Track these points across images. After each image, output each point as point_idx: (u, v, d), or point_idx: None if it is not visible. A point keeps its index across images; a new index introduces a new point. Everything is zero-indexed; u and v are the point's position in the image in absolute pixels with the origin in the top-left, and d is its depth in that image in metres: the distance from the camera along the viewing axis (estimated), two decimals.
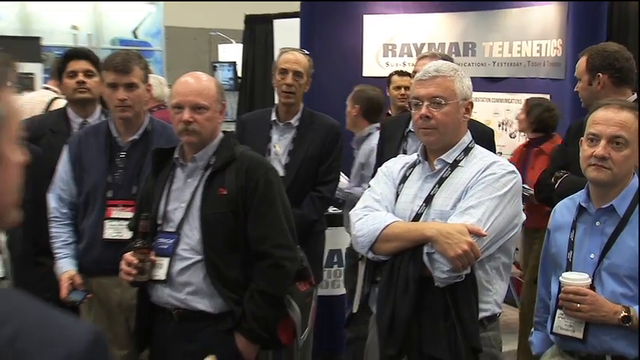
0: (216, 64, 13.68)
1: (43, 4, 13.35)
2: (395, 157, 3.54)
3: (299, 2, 8.70)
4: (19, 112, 1.39)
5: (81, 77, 4.39)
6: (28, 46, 10.77)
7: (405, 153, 4.17)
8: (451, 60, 4.28)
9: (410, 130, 4.34)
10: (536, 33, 7.17)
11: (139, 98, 3.85)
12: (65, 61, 4.45)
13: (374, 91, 5.91)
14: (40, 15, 13.35)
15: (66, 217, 3.87)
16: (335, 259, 5.64)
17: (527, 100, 6.13)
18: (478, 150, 3.08)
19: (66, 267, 3.80)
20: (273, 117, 4.75)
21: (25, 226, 3.22)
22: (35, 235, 3.35)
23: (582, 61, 4.22)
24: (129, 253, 3.30)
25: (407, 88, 6.03)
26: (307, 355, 4.87)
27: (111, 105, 3.93)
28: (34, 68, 9.50)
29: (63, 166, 3.93)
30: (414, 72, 4.32)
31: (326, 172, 4.64)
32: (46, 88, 7.23)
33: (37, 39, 12.60)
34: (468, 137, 3.09)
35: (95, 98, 4.50)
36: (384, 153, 4.36)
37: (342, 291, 5.79)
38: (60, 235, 3.87)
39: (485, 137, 3.94)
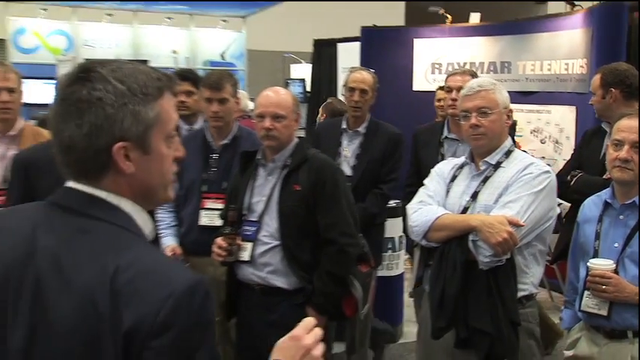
0: (289, 81, 13.73)
1: (149, 33, 13.61)
2: (434, 160, 3.59)
3: (359, 28, 8.68)
4: (174, 117, 1.55)
5: (181, 97, 4.48)
6: None
7: (442, 156, 4.17)
8: (476, 76, 4.27)
9: (445, 137, 4.32)
10: (564, 53, 7.03)
11: (229, 110, 3.91)
12: None
13: (340, 103, 5.93)
14: (147, 42, 13.61)
15: (169, 206, 3.92)
16: (389, 245, 5.59)
17: None
18: (517, 152, 3.03)
19: (168, 242, 3.90)
20: (344, 125, 4.72)
21: None
22: None
23: (597, 78, 4.17)
24: (220, 237, 3.34)
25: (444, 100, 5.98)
26: (367, 327, 4.83)
27: (207, 115, 4.02)
28: None
29: None
30: (448, 87, 4.30)
31: (387, 172, 4.58)
32: None
33: (145, 62, 12.79)
34: (509, 142, 3.03)
35: (196, 112, 4.58)
36: (421, 157, 4.34)
37: (397, 272, 5.75)
38: (164, 219, 3.95)
39: None
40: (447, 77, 4.50)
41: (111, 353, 1.30)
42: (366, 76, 4.69)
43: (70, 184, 1.48)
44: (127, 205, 1.47)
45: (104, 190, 1.45)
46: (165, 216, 3.95)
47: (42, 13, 13.15)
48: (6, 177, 3.55)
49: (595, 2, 7.18)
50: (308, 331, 1.60)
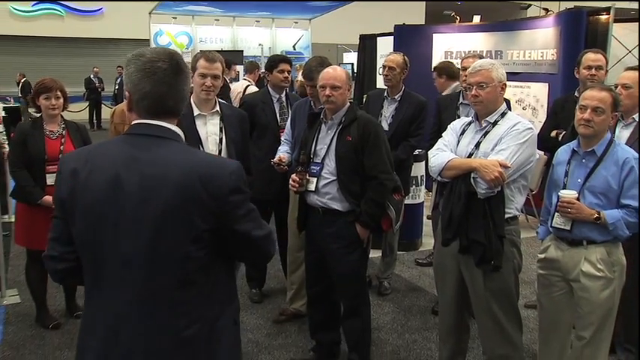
0: (341, 65, 13.59)
1: (244, 32, 13.64)
2: (453, 120, 3.42)
3: (393, 26, 8.52)
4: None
5: (286, 74, 4.40)
6: (236, 56, 11.01)
7: (459, 117, 4.04)
8: (483, 58, 4.12)
9: (461, 103, 4.19)
10: (541, 45, 6.86)
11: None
12: (277, 62, 4.44)
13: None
14: (242, 38, 13.74)
15: (289, 147, 3.94)
16: (414, 182, 5.55)
17: None
18: (510, 114, 2.92)
19: (280, 152, 3.92)
20: (385, 94, 4.61)
21: (238, 156, 3.29)
22: (244, 161, 3.39)
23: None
24: (294, 174, 3.34)
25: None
26: (396, 237, 4.84)
27: (308, 92, 4.00)
28: (239, 68, 9.70)
29: (288, 121, 4.08)
30: (463, 67, 4.17)
31: (415, 129, 4.47)
32: (245, 79, 7.35)
33: (240, 51, 12.86)
34: (503, 106, 2.91)
35: (288, 85, 4.52)
36: (442, 118, 4.19)
37: (419, 201, 5.71)
38: (283, 148, 3.95)
39: None
40: (463, 59, 4.35)
41: (204, 208, 1.54)
42: (395, 58, 4.55)
43: (145, 120, 1.63)
44: (177, 129, 1.67)
45: (167, 123, 1.64)
46: (285, 146, 3.97)
47: (173, 20, 13.45)
48: None
49: (562, 9, 7.29)
50: None
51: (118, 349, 1.58)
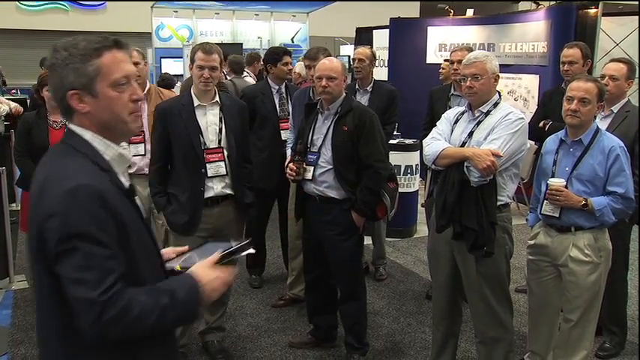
0: (338, 57, 13.49)
1: (243, 25, 13.60)
2: (445, 110, 3.38)
3: (389, 19, 8.47)
4: (120, 69, 1.43)
5: (290, 66, 4.42)
6: (235, 49, 10.93)
7: (450, 108, 3.96)
8: (472, 51, 4.06)
9: (452, 94, 4.15)
10: (532, 37, 6.83)
11: None
12: (282, 55, 4.40)
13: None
14: (241, 31, 13.66)
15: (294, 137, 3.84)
16: (408, 171, 5.53)
17: None
18: (502, 104, 2.89)
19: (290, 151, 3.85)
20: (357, 86, 4.49)
21: (237, 145, 3.26)
22: (243, 150, 3.37)
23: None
24: (291, 163, 3.32)
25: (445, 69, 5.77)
26: (383, 227, 4.82)
27: (309, 76, 4.05)
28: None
29: (292, 109, 4.11)
30: (451, 60, 4.13)
31: (388, 117, 4.33)
32: (244, 71, 7.31)
33: (240, 44, 12.81)
34: (496, 97, 2.88)
35: (290, 77, 4.52)
36: (435, 109, 4.13)
37: (413, 189, 5.70)
38: (292, 136, 3.87)
39: None
40: (451, 52, 4.29)
41: (36, 228, 1.34)
42: (363, 50, 4.46)
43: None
44: (88, 135, 1.44)
45: (75, 125, 1.45)
46: (292, 138, 3.91)
47: (174, 14, 13.38)
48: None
49: (553, 3, 7.31)
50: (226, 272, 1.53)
51: None
